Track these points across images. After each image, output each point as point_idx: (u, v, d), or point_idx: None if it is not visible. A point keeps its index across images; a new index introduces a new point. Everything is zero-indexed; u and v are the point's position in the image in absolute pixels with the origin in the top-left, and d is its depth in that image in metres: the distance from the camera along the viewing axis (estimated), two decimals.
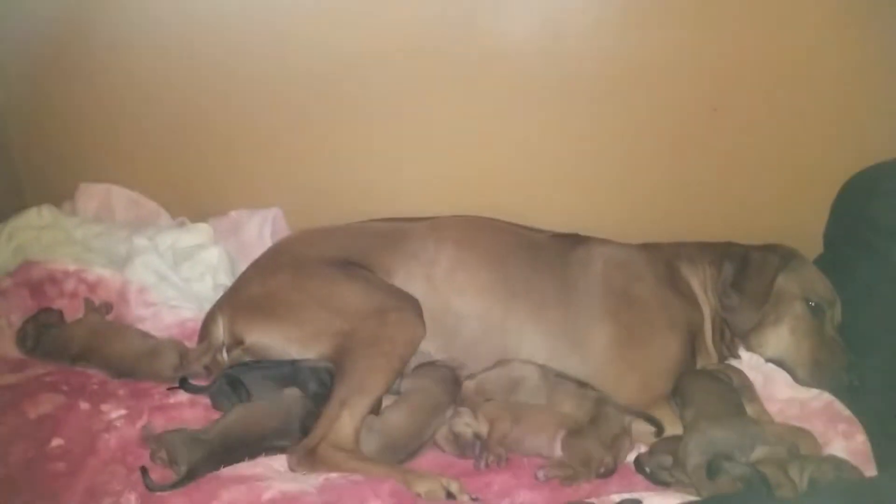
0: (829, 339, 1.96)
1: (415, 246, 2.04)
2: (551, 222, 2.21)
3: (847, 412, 1.82)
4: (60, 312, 2.00)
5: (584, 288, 2.01)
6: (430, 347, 1.93)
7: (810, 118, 2.28)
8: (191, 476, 1.48)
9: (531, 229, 2.17)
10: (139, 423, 1.63)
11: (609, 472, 1.66)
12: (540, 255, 2.06)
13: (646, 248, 2.15)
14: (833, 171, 2.23)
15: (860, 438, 1.74)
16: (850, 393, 1.86)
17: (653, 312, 1.99)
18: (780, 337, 1.98)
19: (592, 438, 1.68)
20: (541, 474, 1.63)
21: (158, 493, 1.39)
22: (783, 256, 2.03)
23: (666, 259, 2.11)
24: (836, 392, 1.88)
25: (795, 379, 1.94)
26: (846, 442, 1.74)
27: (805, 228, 2.26)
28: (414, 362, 1.89)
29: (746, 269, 2.01)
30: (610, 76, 2.28)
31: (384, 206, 2.27)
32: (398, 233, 2.09)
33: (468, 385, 1.85)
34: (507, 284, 1.99)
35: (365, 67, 2.34)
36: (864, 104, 2.24)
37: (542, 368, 1.87)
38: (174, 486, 1.47)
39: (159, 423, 1.63)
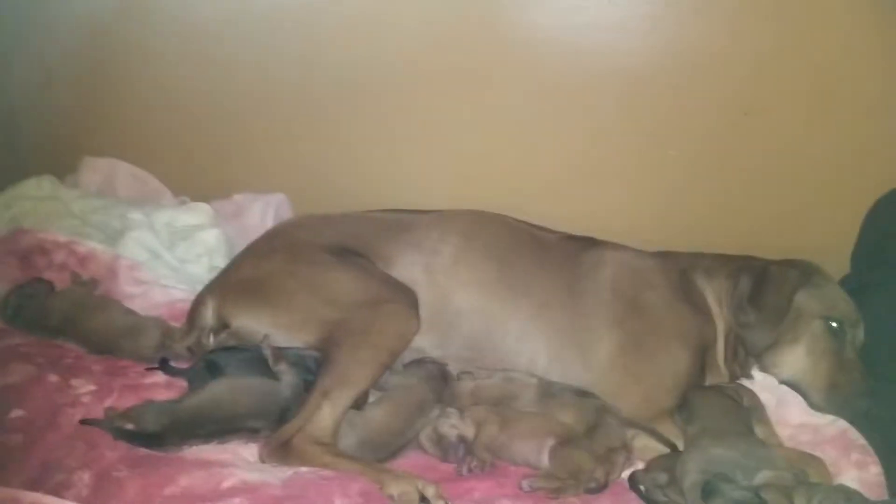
0: (849, 362, 1.83)
1: (418, 235, 1.96)
2: (565, 224, 2.11)
3: (862, 441, 1.71)
4: (51, 284, 1.94)
5: (593, 292, 1.92)
6: (426, 343, 1.84)
7: (845, 129, 2.17)
8: (159, 441, 1.43)
9: (542, 229, 2.07)
10: (108, 401, 1.56)
11: (600, 488, 1.56)
12: (548, 255, 1.98)
13: (661, 255, 2.05)
14: (864, 187, 2.12)
15: (874, 469, 1.62)
16: (868, 421, 1.74)
17: (662, 323, 1.89)
18: (797, 357, 1.85)
19: (584, 449, 1.59)
20: (525, 484, 1.53)
21: (114, 474, 1.32)
22: (804, 272, 1.90)
23: (681, 269, 2.01)
24: (852, 419, 1.77)
25: (810, 403, 1.83)
26: (859, 472, 1.63)
27: (832, 247, 2.15)
28: (408, 358, 1.80)
29: (764, 284, 1.89)
30: (637, 74, 2.19)
31: (392, 198, 2.20)
32: (401, 222, 2.02)
33: (464, 385, 1.76)
34: (512, 282, 1.91)
35: (378, 57, 2.29)
36: None
37: (542, 383, 1.78)
38: (140, 441, 1.42)
39: (129, 403, 1.56)
